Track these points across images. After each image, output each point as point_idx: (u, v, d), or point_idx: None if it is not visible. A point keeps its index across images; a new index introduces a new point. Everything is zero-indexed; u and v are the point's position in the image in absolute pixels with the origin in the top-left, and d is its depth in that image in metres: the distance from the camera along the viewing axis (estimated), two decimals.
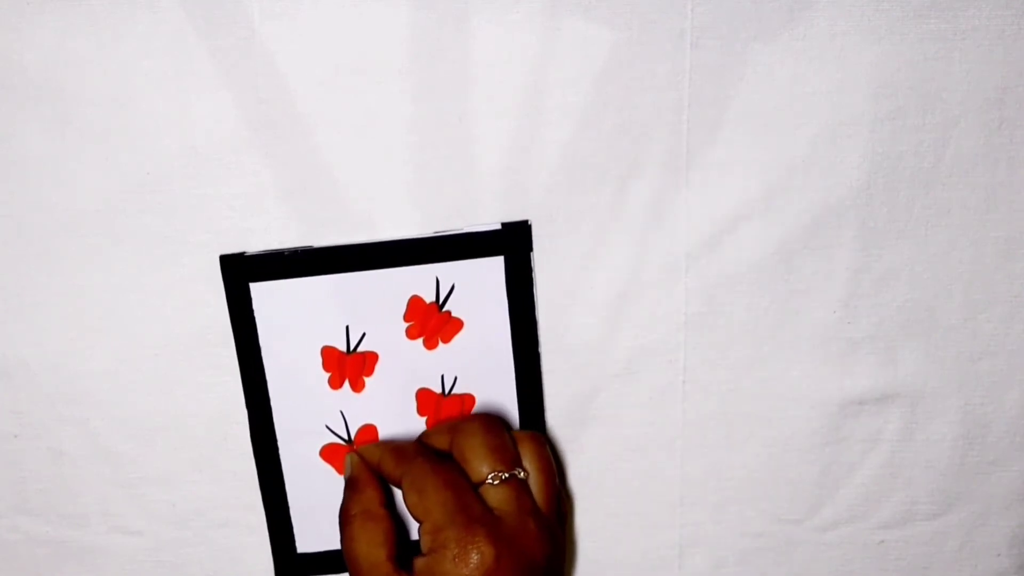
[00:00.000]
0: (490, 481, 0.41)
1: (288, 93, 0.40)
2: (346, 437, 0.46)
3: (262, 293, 0.43)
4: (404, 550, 0.42)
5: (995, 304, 0.45)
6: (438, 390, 0.46)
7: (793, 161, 0.43)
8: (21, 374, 0.45)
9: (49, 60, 0.40)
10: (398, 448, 0.44)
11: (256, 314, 0.44)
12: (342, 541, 0.43)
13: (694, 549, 0.49)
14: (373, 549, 0.41)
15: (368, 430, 0.46)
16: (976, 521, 0.49)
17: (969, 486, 0.48)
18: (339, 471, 0.46)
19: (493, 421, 0.44)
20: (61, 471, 0.46)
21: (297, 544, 0.47)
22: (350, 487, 0.44)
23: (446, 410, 0.46)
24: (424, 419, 0.46)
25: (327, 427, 0.46)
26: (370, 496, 0.43)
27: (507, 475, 0.41)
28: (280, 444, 0.46)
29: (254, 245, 0.43)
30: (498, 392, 0.46)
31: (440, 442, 0.44)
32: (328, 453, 0.46)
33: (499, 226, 0.43)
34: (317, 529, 0.47)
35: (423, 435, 0.45)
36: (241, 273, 0.43)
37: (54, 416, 0.45)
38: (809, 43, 0.41)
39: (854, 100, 0.42)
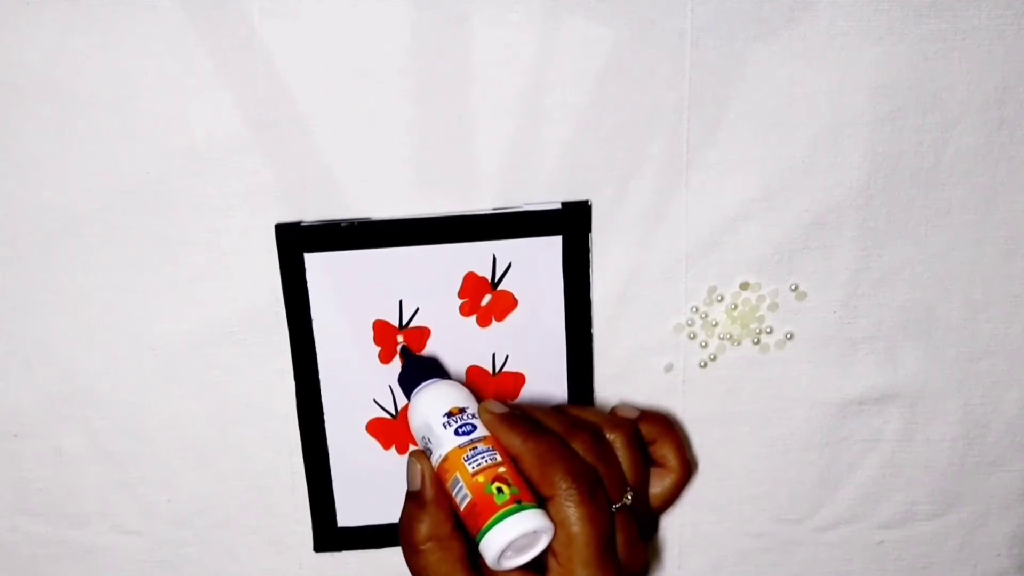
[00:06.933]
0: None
1: (288, 93, 0.40)
2: (393, 412, 0.45)
3: (316, 264, 0.43)
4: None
5: (995, 304, 0.45)
6: (489, 368, 0.45)
7: (793, 161, 0.43)
8: (21, 374, 0.45)
9: (49, 60, 0.40)
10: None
11: (309, 285, 0.43)
12: (413, 566, 0.40)
13: (694, 549, 0.49)
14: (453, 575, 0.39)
15: None
16: (976, 521, 0.49)
17: (969, 486, 0.48)
18: (384, 446, 0.46)
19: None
20: (61, 471, 0.46)
21: (338, 518, 0.47)
22: (418, 504, 0.40)
23: (496, 389, 0.45)
24: None
25: (375, 401, 0.45)
26: (441, 519, 0.39)
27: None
28: (326, 416, 0.45)
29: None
30: (549, 373, 0.45)
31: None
32: (374, 427, 0.46)
33: (559, 205, 0.42)
34: (359, 503, 0.47)
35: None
36: (296, 243, 0.42)
37: (54, 416, 0.45)
38: (809, 43, 0.41)
39: (854, 100, 0.42)
